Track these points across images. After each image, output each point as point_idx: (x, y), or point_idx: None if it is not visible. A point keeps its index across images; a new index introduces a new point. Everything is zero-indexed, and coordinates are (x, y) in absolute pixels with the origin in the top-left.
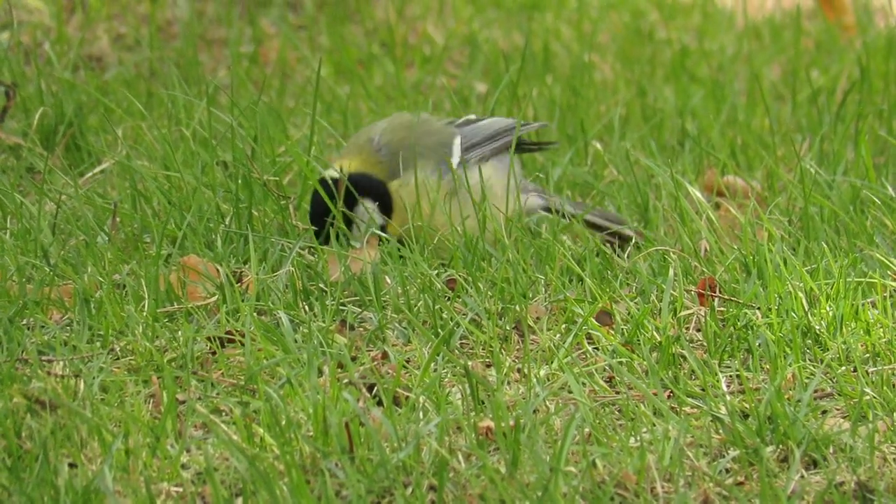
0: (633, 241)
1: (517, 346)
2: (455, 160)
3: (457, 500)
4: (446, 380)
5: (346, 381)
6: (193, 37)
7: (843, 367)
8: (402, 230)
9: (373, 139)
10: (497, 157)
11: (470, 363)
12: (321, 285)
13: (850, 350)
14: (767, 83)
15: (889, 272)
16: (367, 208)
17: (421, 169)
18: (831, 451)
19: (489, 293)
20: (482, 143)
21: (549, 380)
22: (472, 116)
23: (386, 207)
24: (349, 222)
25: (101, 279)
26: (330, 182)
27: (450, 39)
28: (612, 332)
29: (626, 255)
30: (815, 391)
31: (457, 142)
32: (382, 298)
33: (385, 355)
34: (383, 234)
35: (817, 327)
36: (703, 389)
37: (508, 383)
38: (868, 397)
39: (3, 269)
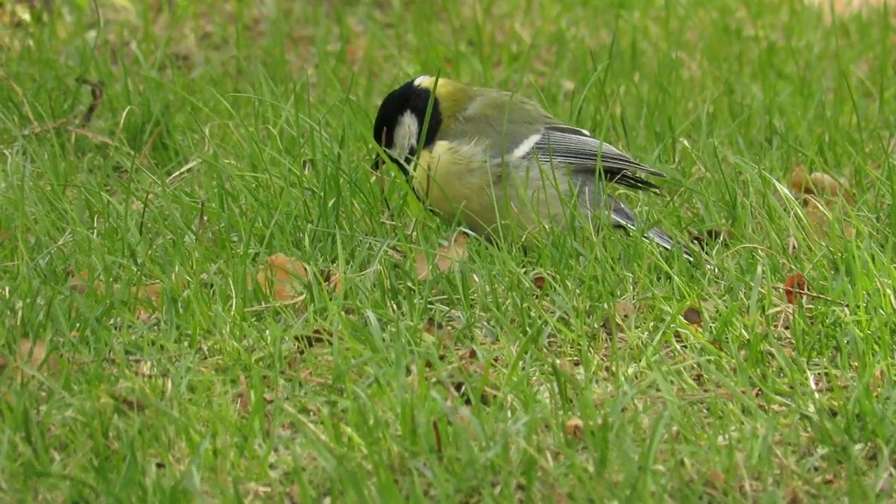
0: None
1: (605, 344)
2: (518, 154)
3: (545, 499)
4: (534, 378)
5: (434, 379)
6: (280, 35)
7: None
8: (421, 186)
9: (471, 99)
10: (577, 173)
11: (558, 361)
12: (409, 284)
13: None
14: (855, 80)
15: None
16: (407, 123)
17: (476, 144)
18: None
19: (577, 291)
20: (558, 153)
21: (637, 378)
22: (585, 131)
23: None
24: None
25: (188, 278)
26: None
27: (537, 37)
28: (700, 330)
29: (713, 253)
30: None
31: (532, 139)
32: (470, 297)
33: (473, 354)
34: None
35: None
36: (791, 387)
37: (596, 381)
38: None
39: (91, 269)
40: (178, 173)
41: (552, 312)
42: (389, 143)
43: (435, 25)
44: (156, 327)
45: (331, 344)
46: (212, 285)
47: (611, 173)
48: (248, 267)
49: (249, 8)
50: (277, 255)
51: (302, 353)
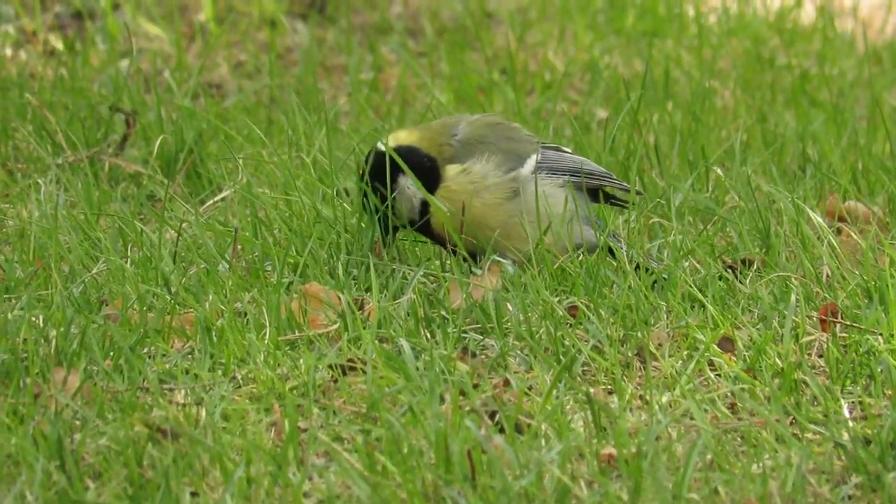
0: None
1: (639, 373)
2: (527, 170)
3: None
4: (568, 407)
5: (467, 408)
6: (313, 64)
7: None
8: (448, 223)
9: (453, 126)
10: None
11: (592, 390)
12: (443, 312)
13: None
14: (888, 107)
15: None
16: (404, 186)
17: (487, 161)
18: None
19: (611, 320)
20: (559, 171)
21: (671, 406)
22: (567, 149)
23: (430, 183)
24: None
25: (222, 307)
26: (372, 155)
27: (570, 66)
28: (734, 359)
29: (747, 281)
30: None
31: (533, 158)
32: (504, 325)
33: (507, 382)
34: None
35: None
36: (825, 416)
37: (630, 410)
38: None
39: (125, 298)
40: (211, 202)
41: (586, 341)
42: (395, 216)
43: (468, 54)
44: (190, 356)
45: (365, 372)
46: (246, 314)
47: (593, 191)
48: (282, 296)
49: (282, 37)
50: (311, 284)
51: (336, 381)
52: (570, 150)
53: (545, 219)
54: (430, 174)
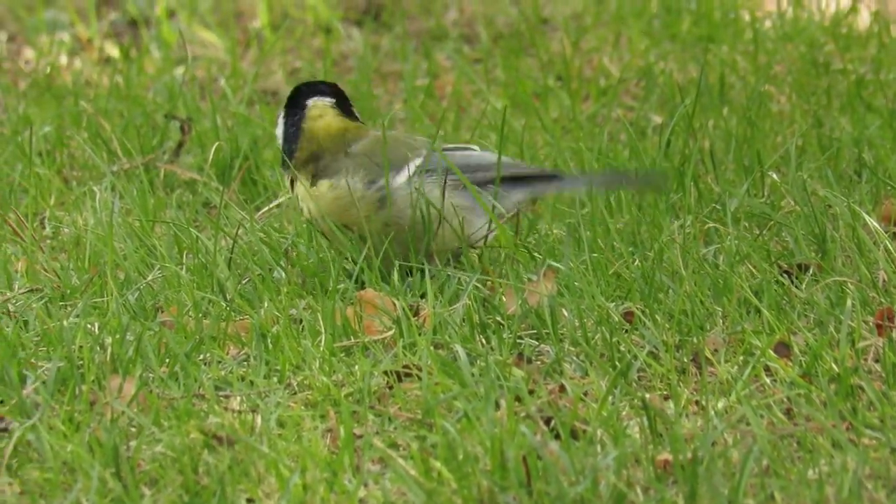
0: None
1: (695, 379)
2: (401, 180)
3: None
4: (624, 412)
5: (523, 414)
6: (369, 70)
7: None
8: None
9: (357, 139)
10: (464, 189)
11: (647, 395)
12: (498, 318)
13: None
14: None
15: None
16: (280, 124)
17: (352, 175)
18: None
19: (666, 325)
20: (451, 170)
21: (726, 412)
22: (475, 147)
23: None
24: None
25: (277, 314)
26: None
27: (625, 72)
28: (790, 364)
29: (803, 286)
30: None
31: (414, 163)
32: (560, 331)
33: (562, 388)
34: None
35: None
36: (881, 420)
37: (686, 416)
38: None
39: (180, 305)
40: (266, 209)
41: (642, 347)
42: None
43: (523, 60)
44: (245, 363)
45: (420, 379)
46: (301, 321)
47: (512, 181)
48: (338, 302)
49: (338, 43)
50: (366, 291)
51: (391, 387)
52: (476, 149)
53: (421, 221)
54: (316, 171)
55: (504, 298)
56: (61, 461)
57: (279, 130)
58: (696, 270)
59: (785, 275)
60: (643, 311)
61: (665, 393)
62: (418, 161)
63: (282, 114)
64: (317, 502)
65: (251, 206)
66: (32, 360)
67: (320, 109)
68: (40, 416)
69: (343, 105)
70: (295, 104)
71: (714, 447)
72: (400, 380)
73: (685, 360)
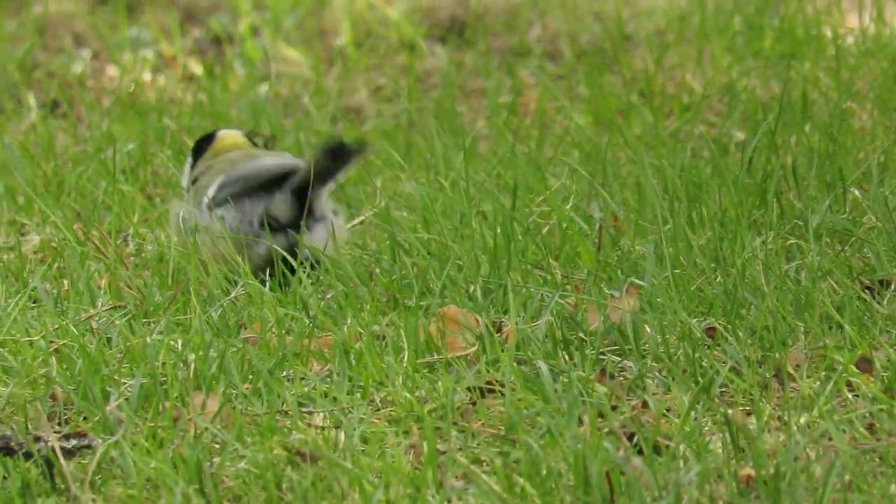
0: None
1: (777, 394)
2: (205, 204)
3: None
4: (706, 428)
5: (606, 430)
6: (452, 87)
7: None
8: None
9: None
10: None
11: (730, 411)
12: (581, 334)
13: None
14: None
15: None
16: (188, 161)
17: (173, 206)
18: None
19: (749, 341)
20: (234, 183)
21: (809, 427)
22: (285, 154)
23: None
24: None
25: (360, 330)
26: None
27: (708, 88)
28: (872, 379)
29: (884, 302)
30: None
31: (216, 182)
32: (642, 347)
33: (645, 404)
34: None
35: None
36: None
37: (768, 431)
38: None
39: (263, 322)
40: (350, 225)
41: (724, 362)
42: None
43: (606, 77)
44: (328, 379)
45: (503, 395)
46: (384, 337)
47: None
48: (421, 319)
49: (421, 60)
50: (449, 307)
51: (474, 403)
52: (287, 155)
53: (212, 247)
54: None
55: (587, 314)
56: (145, 478)
57: (186, 169)
58: (778, 286)
59: (867, 290)
60: (725, 327)
61: (747, 408)
62: (221, 178)
63: (189, 157)
64: None
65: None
66: (116, 377)
67: (230, 134)
68: (124, 432)
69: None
70: (203, 140)
71: (796, 462)
72: (483, 396)
73: (767, 375)
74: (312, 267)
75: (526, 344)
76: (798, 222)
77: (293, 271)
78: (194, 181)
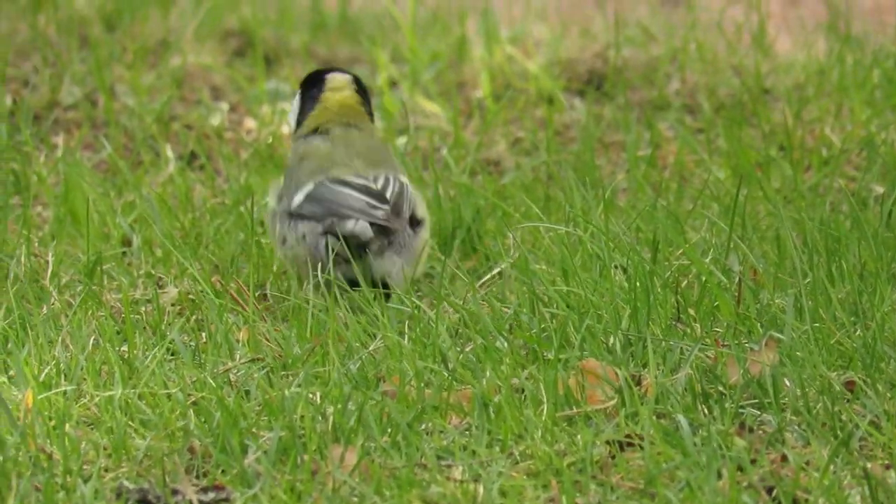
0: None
1: None
2: (294, 204)
3: None
4: (845, 482)
5: (745, 483)
6: (591, 140)
7: None
8: None
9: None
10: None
11: (869, 465)
12: (720, 388)
13: None
14: None
15: None
16: (296, 98)
17: (271, 191)
18: None
19: (888, 394)
20: (318, 202)
21: None
22: (350, 178)
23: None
24: None
25: (499, 383)
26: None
27: (847, 142)
28: None
29: None
30: None
31: (305, 190)
32: (781, 401)
33: (784, 457)
34: None
35: None
36: None
37: None
38: None
39: (402, 374)
40: (487, 277)
41: (863, 416)
42: None
43: (745, 130)
44: (467, 432)
45: (642, 448)
46: (523, 390)
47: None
48: (560, 372)
49: (560, 113)
50: (588, 360)
51: (613, 457)
52: (365, 185)
53: (289, 259)
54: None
55: (726, 368)
56: None
57: (294, 106)
58: None
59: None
60: (865, 381)
61: (886, 462)
62: (310, 188)
63: (298, 92)
64: None
65: (473, 276)
66: (254, 430)
67: (340, 82)
68: (262, 485)
69: (361, 87)
70: (313, 81)
71: None
72: (622, 449)
73: None
74: (384, 287)
75: (665, 397)
76: None
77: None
78: (287, 171)
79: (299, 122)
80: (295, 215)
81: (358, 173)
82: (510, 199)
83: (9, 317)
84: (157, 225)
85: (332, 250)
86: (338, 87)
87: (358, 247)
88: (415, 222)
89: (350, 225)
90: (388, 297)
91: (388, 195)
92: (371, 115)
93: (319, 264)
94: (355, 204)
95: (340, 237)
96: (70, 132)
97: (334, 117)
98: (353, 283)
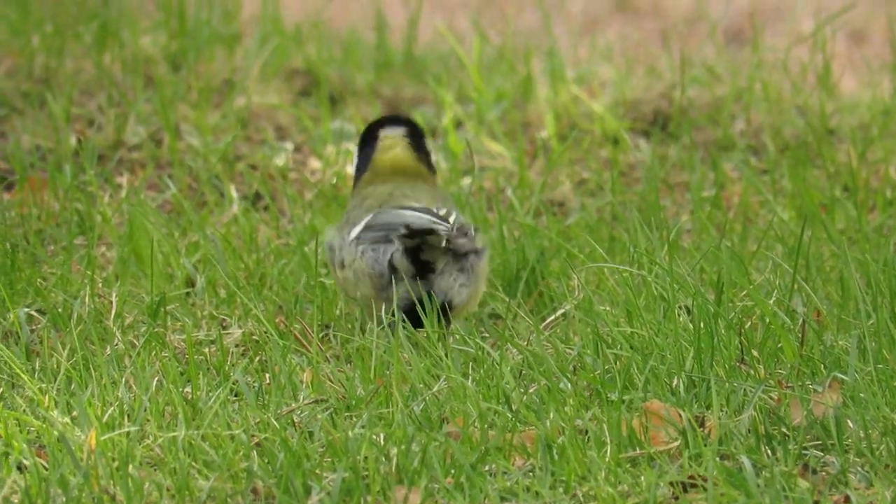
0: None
1: None
2: (351, 238)
3: None
4: None
5: None
6: (655, 181)
7: None
8: None
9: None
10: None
11: None
12: (783, 429)
13: None
14: None
15: None
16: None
17: (328, 232)
18: None
19: None
20: (375, 228)
21: None
22: (412, 203)
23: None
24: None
25: (563, 424)
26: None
27: None
28: None
29: None
30: None
31: (364, 220)
32: (845, 442)
33: (847, 499)
34: None
35: None
36: None
37: None
38: None
39: (466, 416)
40: (552, 318)
41: None
42: None
43: (810, 171)
44: (531, 473)
45: (706, 489)
46: (587, 431)
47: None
48: (623, 413)
49: (625, 153)
50: (652, 402)
51: (677, 498)
52: (430, 210)
53: (354, 286)
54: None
55: (790, 409)
56: None
57: (354, 160)
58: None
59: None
60: None
61: None
62: (368, 217)
63: (356, 148)
64: None
65: (537, 317)
66: (317, 471)
67: (391, 141)
68: None
69: (417, 142)
70: (366, 139)
71: None
72: (685, 490)
73: None
74: (443, 315)
75: (729, 438)
76: None
77: (418, 321)
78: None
79: (357, 179)
80: (355, 240)
81: (420, 203)
82: (574, 239)
83: (72, 357)
84: (221, 265)
85: (401, 253)
86: (388, 147)
87: (423, 264)
88: (475, 251)
89: (425, 222)
90: (447, 322)
91: (450, 220)
92: (430, 165)
93: (382, 280)
94: (420, 220)
95: (409, 240)
96: (134, 172)
97: (389, 178)
98: (415, 317)
